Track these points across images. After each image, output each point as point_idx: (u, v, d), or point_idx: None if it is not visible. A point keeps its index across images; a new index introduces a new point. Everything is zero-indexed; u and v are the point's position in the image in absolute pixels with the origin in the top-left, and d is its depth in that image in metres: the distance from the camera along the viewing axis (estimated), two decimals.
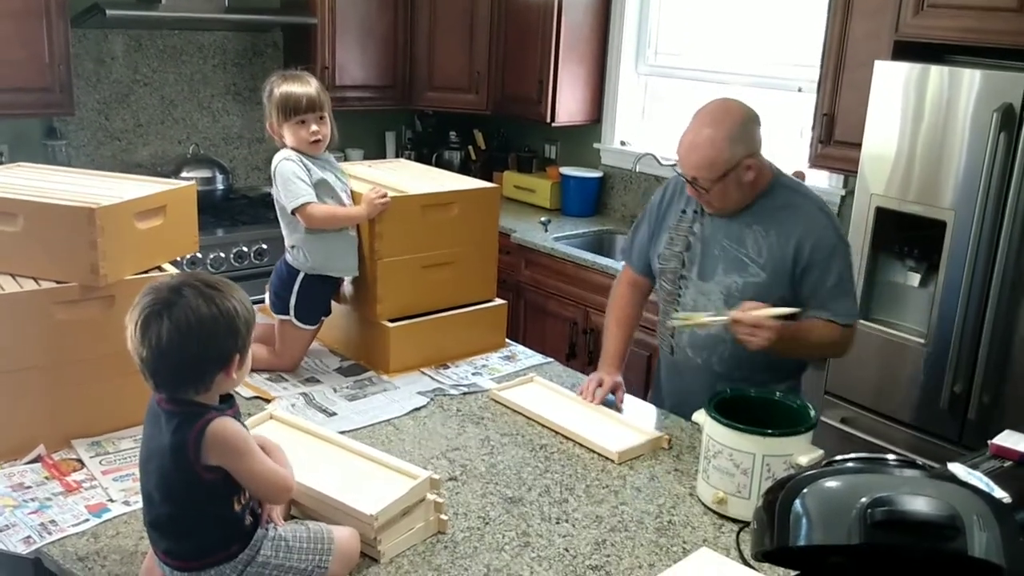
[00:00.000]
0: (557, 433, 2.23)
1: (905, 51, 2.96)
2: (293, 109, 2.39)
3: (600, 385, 2.38)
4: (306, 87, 2.41)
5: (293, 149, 2.43)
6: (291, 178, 2.38)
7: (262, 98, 2.47)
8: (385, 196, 2.45)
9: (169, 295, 1.45)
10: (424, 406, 2.35)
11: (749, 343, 2.09)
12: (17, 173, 2.30)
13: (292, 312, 2.48)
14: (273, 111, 2.41)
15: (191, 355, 1.44)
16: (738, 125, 2.17)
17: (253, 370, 2.31)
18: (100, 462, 1.97)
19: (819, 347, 2.31)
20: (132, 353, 1.46)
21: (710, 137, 2.16)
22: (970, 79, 2.70)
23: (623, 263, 2.59)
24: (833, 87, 3.32)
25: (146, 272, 2.12)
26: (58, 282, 1.99)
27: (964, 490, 1.16)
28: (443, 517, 1.79)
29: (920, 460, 1.24)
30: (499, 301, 2.79)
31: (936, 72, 2.78)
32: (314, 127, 2.42)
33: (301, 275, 2.47)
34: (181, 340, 1.43)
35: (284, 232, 2.50)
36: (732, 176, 2.17)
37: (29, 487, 1.87)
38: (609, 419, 2.28)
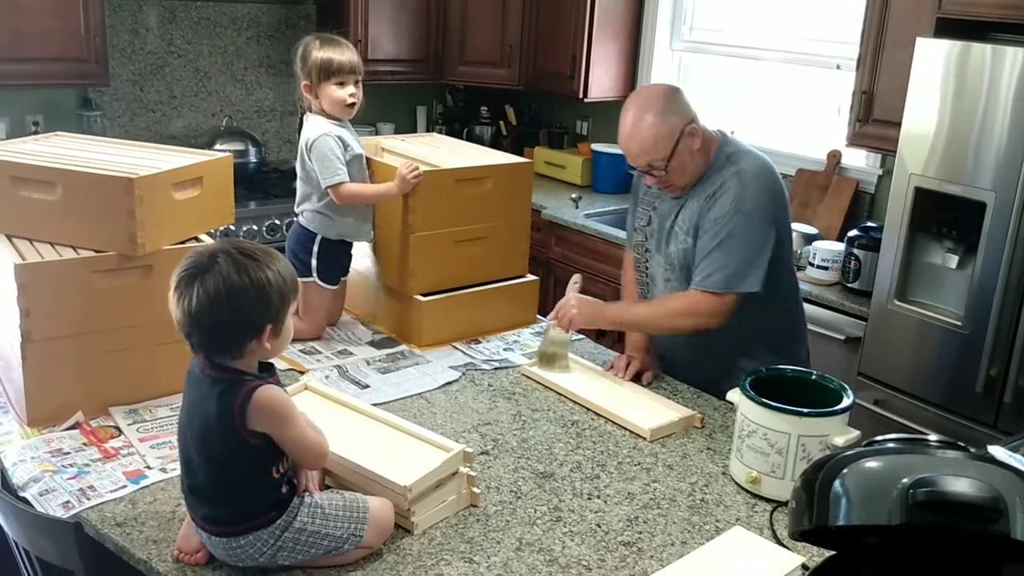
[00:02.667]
0: (588, 410, 2.23)
1: (947, 28, 2.91)
2: (336, 70, 2.42)
3: (629, 363, 2.39)
4: (348, 50, 2.46)
5: (324, 114, 2.46)
6: (329, 155, 2.41)
7: (295, 59, 2.48)
8: (418, 171, 2.45)
9: (206, 261, 1.47)
10: (456, 380, 2.36)
11: (572, 318, 2.29)
12: (54, 142, 2.32)
13: (315, 274, 2.52)
14: (313, 71, 2.43)
15: (220, 322, 1.46)
16: (661, 100, 2.21)
17: None
18: (137, 429, 1.99)
19: (668, 318, 2.24)
20: (172, 314, 1.49)
21: (641, 120, 2.20)
22: (1013, 57, 2.64)
23: (627, 249, 2.62)
24: (873, 64, 3.26)
25: (183, 243, 2.14)
26: (96, 251, 2.01)
27: (1007, 472, 1.14)
28: (475, 490, 1.79)
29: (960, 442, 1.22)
30: (531, 277, 2.78)
31: (978, 50, 2.72)
32: (351, 89, 2.46)
33: (319, 237, 2.51)
34: (210, 306, 1.45)
35: (304, 195, 2.53)
36: (681, 148, 2.19)
37: (68, 453, 1.90)
38: (641, 396, 2.28)
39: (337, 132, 2.44)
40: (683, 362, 2.43)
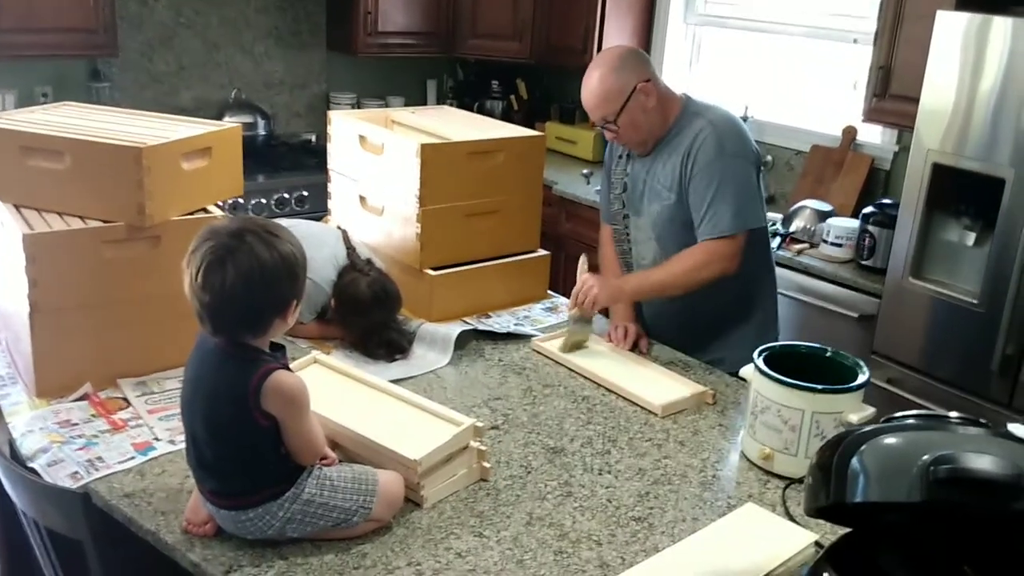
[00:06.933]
0: (599, 385, 2.21)
1: (968, 1, 2.86)
2: None
3: (627, 333, 2.42)
4: None
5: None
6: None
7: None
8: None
9: (231, 240, 1.44)
10: (467, 355, 2.34)
11: (593, 298, 2.29)
12: (63, 112, 2.29)
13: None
14: None
15: (254, 301, 1.45)
16: (618, 59, 2.31)
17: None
18: (146, 401, 1.98)
19: (687, 274, 2.27)
20: (191, 297, 1.46)
21: (597, 76, 2.30)
22: None
23: (603, 224, 2.67)
24: (891, 39, 3.22)
25: (191, 214, 2.12)
26: (104, 221, 1.99)
27: None
28: (486, 465, 1.78)
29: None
30: (542, 252, 2.76)
31: (1000, 23, 2.67)
32: None
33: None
34: (245, 286, 1.43)
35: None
36: (633, 105, 2.27)
37: (76, 424, 1.89)
38: (653, 372, 2.26)
39: None
40: (668, 315, 2.47)
